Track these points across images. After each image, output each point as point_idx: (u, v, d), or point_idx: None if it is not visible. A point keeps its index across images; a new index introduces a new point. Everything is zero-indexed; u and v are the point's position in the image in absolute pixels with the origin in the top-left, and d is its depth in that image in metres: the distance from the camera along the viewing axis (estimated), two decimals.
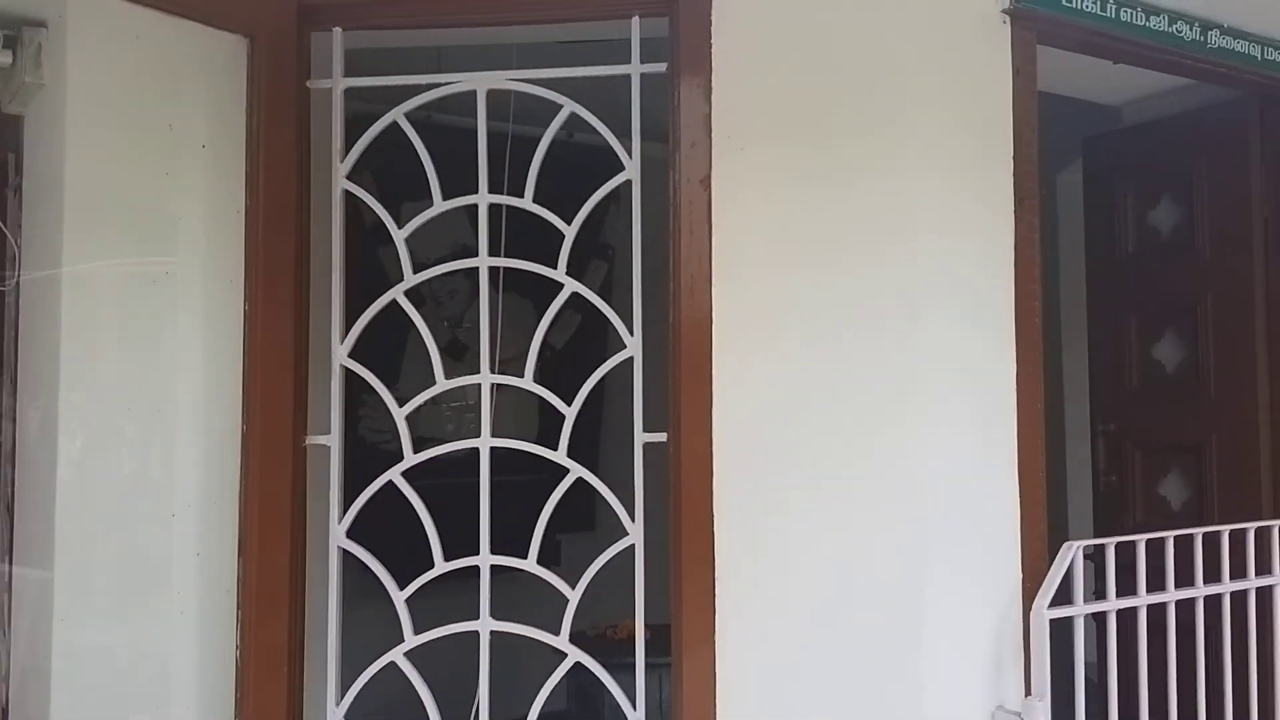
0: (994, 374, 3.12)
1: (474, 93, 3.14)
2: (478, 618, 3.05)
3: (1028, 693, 3.03)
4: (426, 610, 3.06)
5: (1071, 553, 3.02)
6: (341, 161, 3.17)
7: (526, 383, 3.13)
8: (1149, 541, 3.25)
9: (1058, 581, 3.00)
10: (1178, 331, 4.32)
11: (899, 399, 2.99)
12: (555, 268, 3.13)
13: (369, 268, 3.79)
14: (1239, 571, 3.41)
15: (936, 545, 2.99)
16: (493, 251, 3.14)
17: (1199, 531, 3.37)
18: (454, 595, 3.08)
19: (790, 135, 3.02)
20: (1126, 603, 3.16)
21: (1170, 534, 3.22)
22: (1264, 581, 3.52)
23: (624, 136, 3.11)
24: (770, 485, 2.97)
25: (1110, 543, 3.12)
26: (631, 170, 3.12)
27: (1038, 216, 3.21)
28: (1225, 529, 3.34)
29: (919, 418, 3.00)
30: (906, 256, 3.00)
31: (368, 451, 4.28)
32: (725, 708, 2.89)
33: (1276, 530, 3.53)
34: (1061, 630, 3.04)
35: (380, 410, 3.24)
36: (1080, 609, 3.06)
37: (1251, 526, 3.41)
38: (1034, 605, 2.98)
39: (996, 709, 3.03)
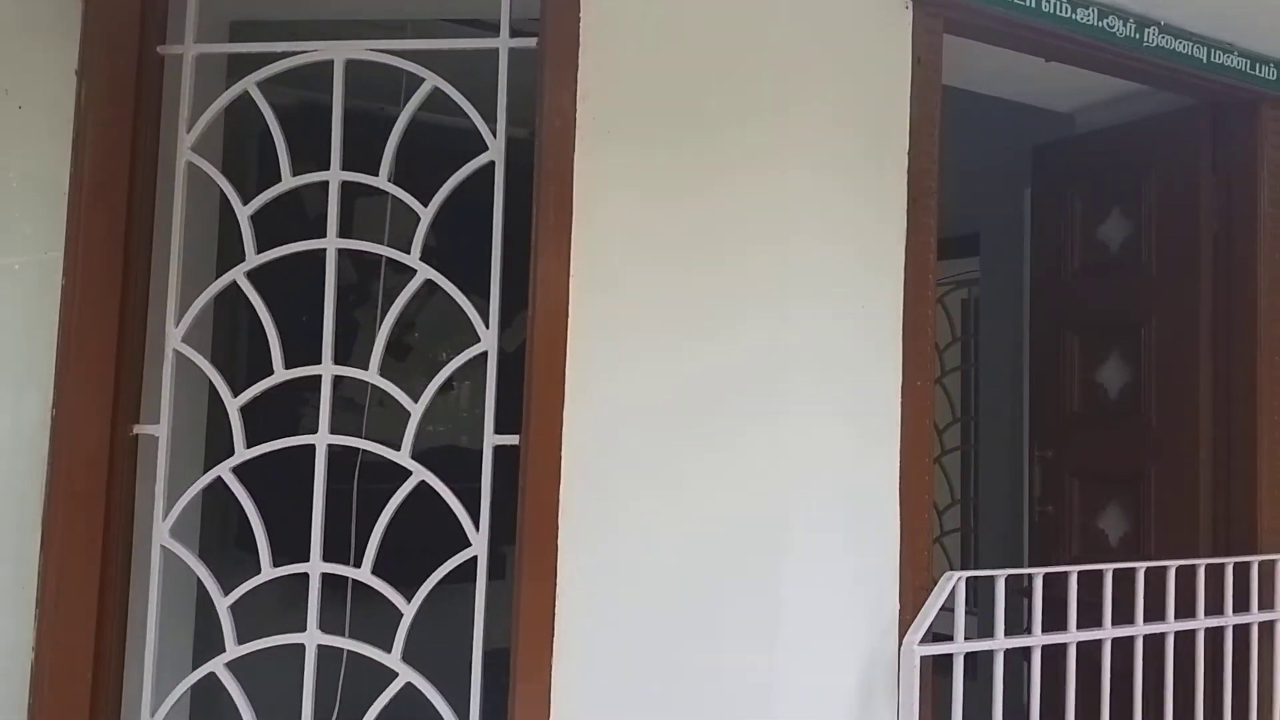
0: (876, 386, 2.86)
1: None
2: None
3: None
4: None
5: (951, 583, 2.76)
6: (188, 132, 2.96)
7: (371, 375, 2.90)
8: (1049, 576, 2.99)
9: (933, 614, 2.74)
10: (1122, 355, 4.04)
11: (767, 407, 2.74)
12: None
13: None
14: (1156, 613, 3.14)
15: (801, 569, 2.73)
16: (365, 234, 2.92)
17: (1109, 568, 3.11)
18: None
19: (663, 121, 2.78)
20: (1015, 642, 2.90)
21: (1073, 569, 2.97)
22: (1184, 625, 3.25)
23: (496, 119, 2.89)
24: (623, 498, 2.72)
25: (1000, 574, 2.85)
26: (495, 151, 2.89)
27: (935, 218, 2.95)
28: (1109, 568, 3.06)
29: (788, 429, 2.75)
30: (779, 256, 2.75)
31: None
32: None
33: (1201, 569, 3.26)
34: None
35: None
36: (959, 646, 2.79)
37: (1141, 566, 3.15)
38: (905, 640, 2.71)
39: None
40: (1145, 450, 3.91)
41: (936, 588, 2.75)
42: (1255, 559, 3.45)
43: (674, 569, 2.69)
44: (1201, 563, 3.32)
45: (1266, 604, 3.51)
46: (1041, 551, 4.23)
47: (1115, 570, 3.20)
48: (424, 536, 2.88)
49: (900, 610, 2.84)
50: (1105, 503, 4.06)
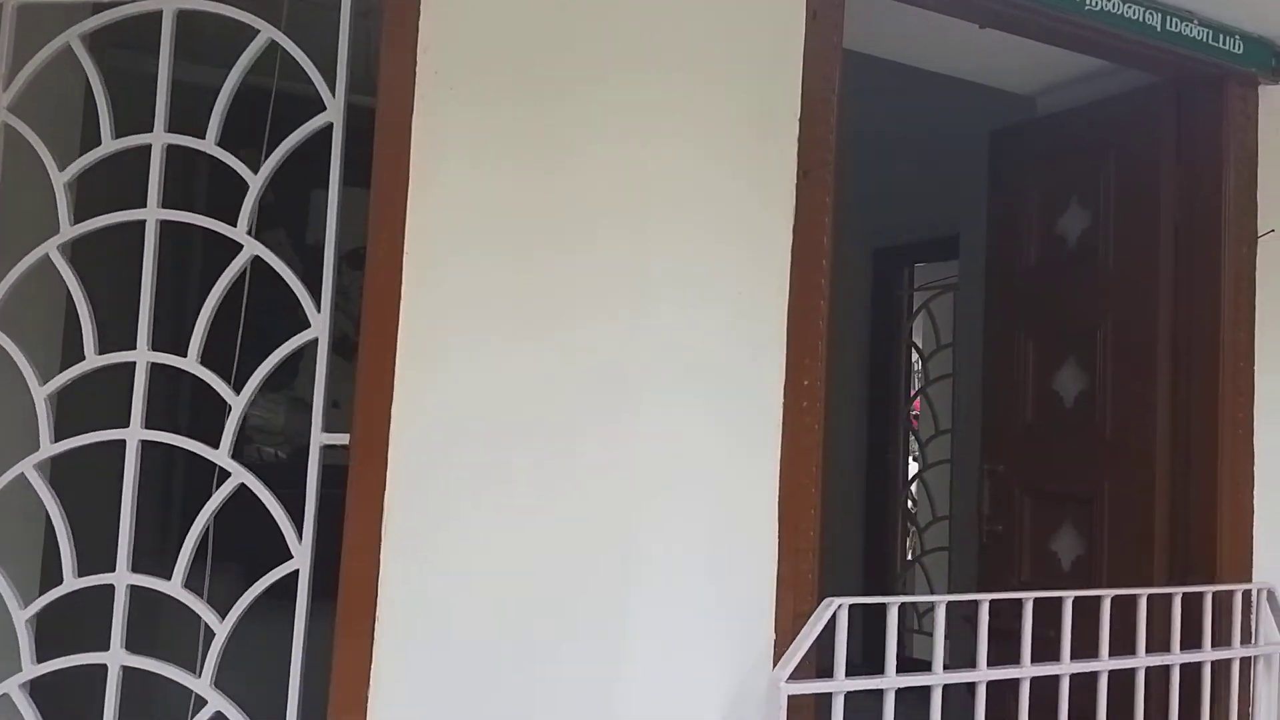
0: (753, 385, 2.51)
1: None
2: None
3: None
4: None
5: (830, 611, 2.40)
6: (5, 90, 2.65)
7: (189, 363, 2.58)
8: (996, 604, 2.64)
9: (806, 646, 2.39)
10: (1078, 360, 3.66)
11: (619, 409, 2.41)
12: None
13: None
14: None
15: (653, 591, 2.39)
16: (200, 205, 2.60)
17: (1027, 596, 2.75)
18: None
19: (512, 77, 2.45)
20: (909, 680, 2.53)
21: (985, 596, 2.61)
22: (1118, 663, 2.88)
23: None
24: (453, 506, 2.39)
25: (893, 601, 2.49)
26: (334, 112, 2.57)
27: (832, 194, 2.60)
28: (1028, 597, 2.70)
29: (643, 433, 2.42)
30: (638, 236, 2.42)
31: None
32: None
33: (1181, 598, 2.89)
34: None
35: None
36: (839, 685, 2.43)
37: (1068, 596, 2.81)
38: (772, 675, 2.36)
39: None
40: (1099, 465, 3.54)
41: (814, 615, 2.40)
42: (1209, 589, 3.08)
43: (506, 587, 2.35)
44: (1143, 592, 2.95)
45: (1222, 640, 3.14)
46: (990, 574, 3.86)
47: (1035, 600, 2.85)
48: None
49: (776, 640, 2.48)
50: (1059, 523, 3.68)
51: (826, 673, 2.48)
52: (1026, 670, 2.72)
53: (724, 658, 2.43)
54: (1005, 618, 3.21)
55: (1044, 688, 2.83)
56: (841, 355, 6.31)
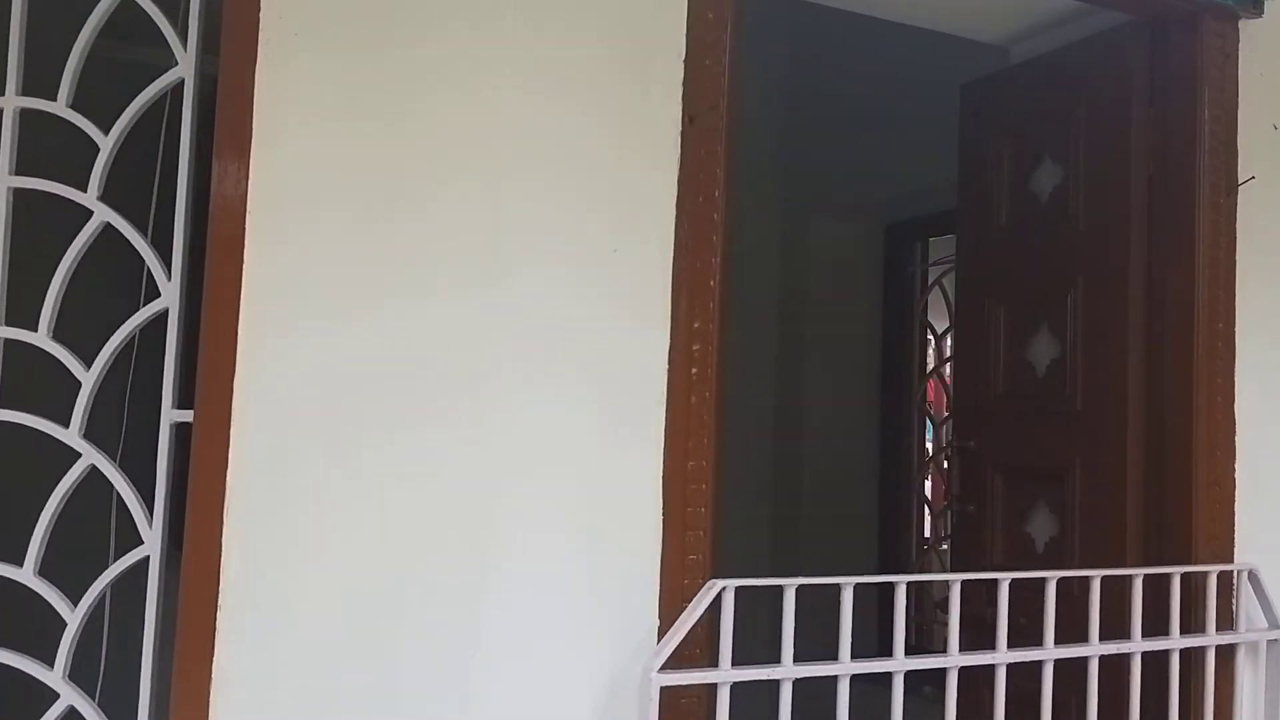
0: (632, 354, 2.29)
1: None
2: None
3: None
4: None
5: (713, 594, 2.18)
6: None
7: (40, 339, 2.42)
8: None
9: (684, 633, 2.17)
10: (1051, 326, 3.38)
11: (474, 383, 2.21)
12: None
13: None
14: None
15: (513, 576, 2.19)
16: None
17: (956, 578, 2.50)
18: None
19: (361, 20, 2.26)
20: (806, 670, 2.30)
21: (901, 579, 2.36)
22: (1065, 651, 2.63)
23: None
24: (297, 489, 2.20)
25: (790, 583, 2.26)
26: (185, 67, 2.39)
27: (723, 141, 2.37)
28: (956, 579, 2.46)
29: (501, 409, 2.21)
30: (491, 196, 2.20)
31: None
32: None
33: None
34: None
35: None
36: (724, 675, 2.21)
37: (1006, 577, 2.53)
38: (645, 665, 2.14)
39: None
40: (1071, 439, 3.26)
41: (695, 599, 2.18)
42: (1175, 570, 2.80)
43: (352, 581, 2.16)
44: (1096, 574, 2.70)
45: (1193, 626, 2.86)
46: (961, 557, 3.60)
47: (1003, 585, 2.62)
48: None
49: (661, 627, 2.26)
50: (1032, 502, 3.41)
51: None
52: (1003, 656, 2.49)
53: (599, 649, 2.22)
54: (974, 603, 2.99)
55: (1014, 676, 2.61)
56: (852, 336, 6.06)
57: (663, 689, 2.15)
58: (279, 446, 2.20)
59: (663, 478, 2.29)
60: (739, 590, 2.22)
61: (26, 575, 2.37)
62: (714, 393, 2.34)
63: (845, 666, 2.32)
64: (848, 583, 2.33)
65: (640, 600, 2.25)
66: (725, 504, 6.18)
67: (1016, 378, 3.48)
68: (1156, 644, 2.74)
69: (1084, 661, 2.79)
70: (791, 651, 2.24)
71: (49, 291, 2.43)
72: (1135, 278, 3.10)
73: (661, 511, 2.29)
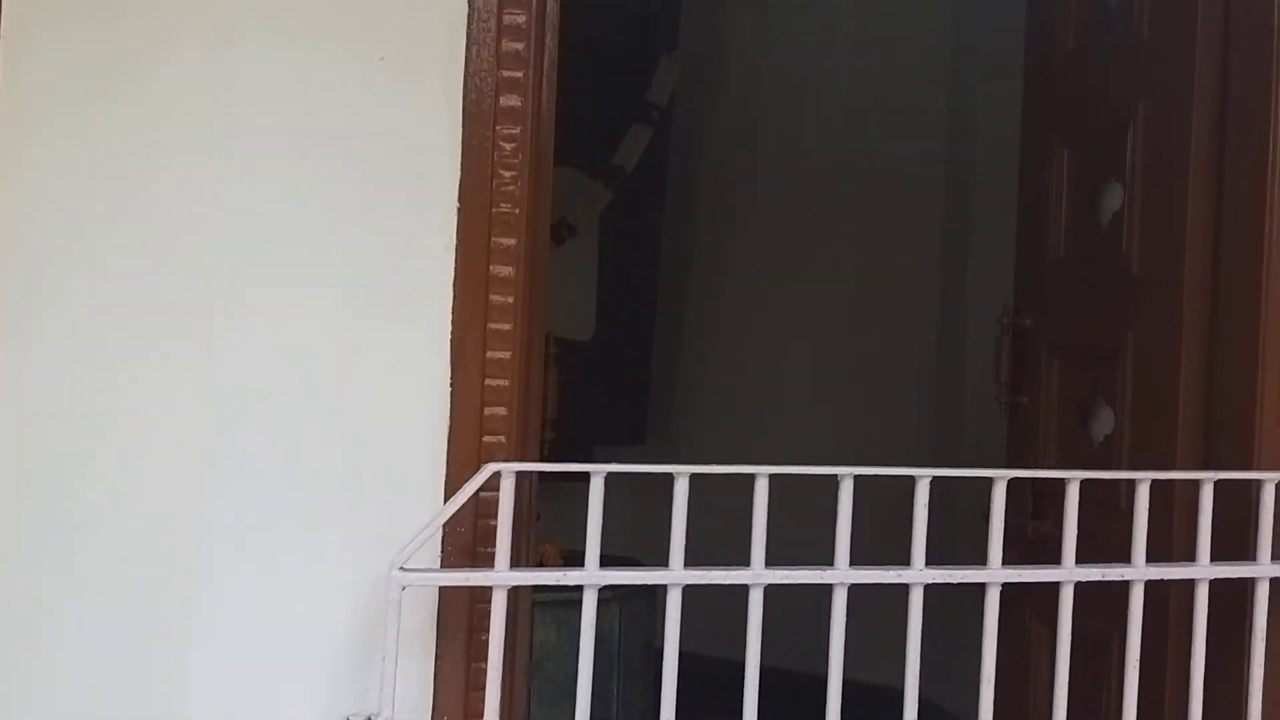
0: (402, 227, 1.90)
1: None
2: None
3: None
4: None
5: (482, 478, 1.74)
6: None
7: None
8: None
9: (439, 524, 1.76)
10: (1114, 172, 2.71)
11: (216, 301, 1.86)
12: None
13: None
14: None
15: (258, 468, 1.85)
16: None
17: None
18: None
19: None
20: (612, 576, 1.83)
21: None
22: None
23: None
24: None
25: (588, 470, 1.79)
26: None
27: None
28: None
29: (253, 314, 1.86)
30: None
31: None
32: None
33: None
34: None
35: None
36: (501, 577, 1.77)
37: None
38: (391, 563, 1.72)
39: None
40: (1125, 310, 2.62)
41: (465, 486, 1.74)
42: (1211, 475, 2.16)
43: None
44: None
45: (1235, 551, 2.22)
46: (1015, 457, 3.00)
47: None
48: None
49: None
50: (1088, 390, 2.79)
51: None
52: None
53: (360, 551, 1.85)
54: (1017, 514, 2.47)
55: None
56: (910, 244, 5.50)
57: (445, 590, 1.79)
58: None
59: (450, 344, 1.88)
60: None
61: None
62: (524, 228, 1.88)
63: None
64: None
65: (417, 491, 1.87)
66: (876, 392, 5.64)
67: (1078, 237, 2.83)
68: (1159, 571, 2.12)
69: (1104, 587, 2.21)
70: (598, 558, 1.78)
71: None
72: (1202, 99, 2.40)
73: (449, 385, 1.88)
